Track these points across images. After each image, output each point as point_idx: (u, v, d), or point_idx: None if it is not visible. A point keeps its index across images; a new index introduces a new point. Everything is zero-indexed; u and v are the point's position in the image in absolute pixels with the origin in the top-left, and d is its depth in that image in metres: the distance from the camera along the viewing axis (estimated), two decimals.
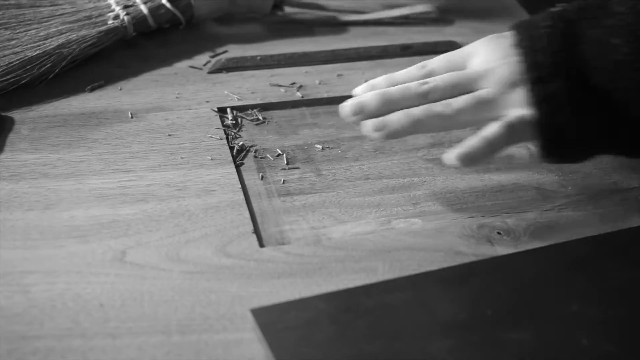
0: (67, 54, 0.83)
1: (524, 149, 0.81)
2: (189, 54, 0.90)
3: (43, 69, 0.82)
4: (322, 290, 0.65)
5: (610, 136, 0.69)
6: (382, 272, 0.67)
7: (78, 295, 0.64)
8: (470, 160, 0.70)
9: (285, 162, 0.78)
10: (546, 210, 0.74)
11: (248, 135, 0.81)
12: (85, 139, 0.78)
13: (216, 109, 0.83)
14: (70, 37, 0.84)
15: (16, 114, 0.80)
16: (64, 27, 0.85)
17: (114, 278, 0.65)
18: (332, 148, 0.80)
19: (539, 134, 0.68)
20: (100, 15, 0.88)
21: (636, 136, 0.69)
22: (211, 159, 0.77)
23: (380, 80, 0.75)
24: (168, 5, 0.89)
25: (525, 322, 0.63)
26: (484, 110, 0.70)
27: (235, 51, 0.91)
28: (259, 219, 0.72)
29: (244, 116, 0.83)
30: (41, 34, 0.84)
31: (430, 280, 0.66)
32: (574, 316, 0.63)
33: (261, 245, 0.69)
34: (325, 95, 0.86)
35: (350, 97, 0.86)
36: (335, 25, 0.96)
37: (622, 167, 0.79)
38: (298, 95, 0.85)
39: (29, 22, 0.86)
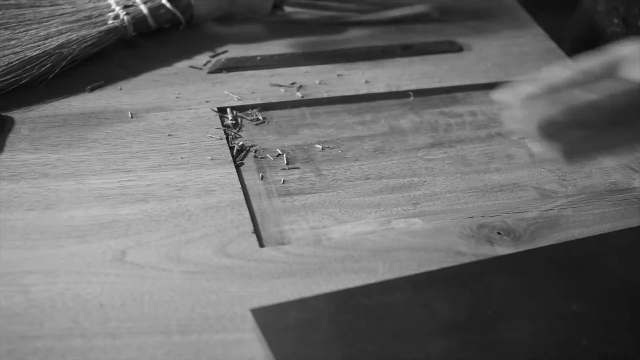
0: (67, 53, 0.83)
1: (524, 149, 0.81)
2: (189, 54, 0.90)
3: (43, 69, 0.82)
4: (322, 290, 0.65)
5: None
6: (382, 272, 0.67)
7: (78, 295, 0.64)
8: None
9: (285, 162, 0.78)
10: (546, 210, 0.74)
11: (248, 135, 0.81)
12: (85, 139, 0.78)
13: (216, 109, 0.83)
14: (70, 37, 0.84)
15: (16, 114, 0.80)
16: (64, 27, 0.85)
17: (114, 278, 0.65)
18: (332, 148, 0.80)
19: None
20: (100, 15, 0.88)
21: None
22: (211, 159, 0.77)
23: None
24: (168, 5, 0.89)
25: (525, 322, 0.63)
26: None
27: (235, 51, 0.91)
28: (259, 219, 0.72)
29: (244, 116, 0.83)
30: (41, 34, 0.84)
31: (430, 280, 0.66)
32: (574, 316, 0.63)
33: (261, 245, 0.69)
34: (325, 95, 0.86)
35: (350, 97, 0.86)
36: (335, 25, 0.96)
37: (622, 167, 0.79)
38: (298, 95, 0.85)
39: (28, 22, 0.86)
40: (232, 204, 0.72)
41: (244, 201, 0.73)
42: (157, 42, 0.92)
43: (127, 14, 0.88)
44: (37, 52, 0.82)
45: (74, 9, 0.88)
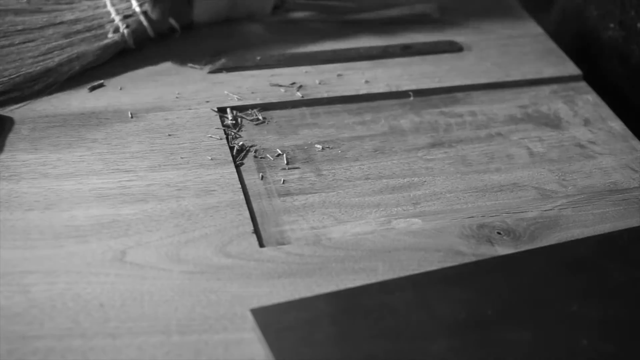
0: (68, 70, 0.83)
1: (524, 149, 0.81)
2: (189, 54, 0.90)
3: (43, 85, 0.82)
4: (322, 290, 0.65)
5: None
6: (382, 272, 0.67)
7: (78, 295, 0.64)
8: None
9: (285, 162, 0.78)
10: (546, 210, 0.74)
11: (248, 135, 0.81)
12: (85, 139, 0.78)
13: (216, 109, 0.83)
14: (71, 54, 0.84)
15: (16, 114, 0.80)
16: (65, 41, 0.85)
17: (114, 278, 0.65)
18: (332, 148, 0.80)
19: None
20: (100, 26, 0.87)
21: None
22: (211, 159, 0.77)
23: None
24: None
25: (525, 322, 0.63)
26: None
27: (235, 51, 0.91)
28: (259, 219, 0.72)
29: (244, 116, 0.83)
30: (41, 48, 0.84)
31: (430, 280, 0.66)
32: (574, 316, 0.63)
33: (261, 245, 0.69)
34: (325, 95, 0.86)
35: (350, 97, 0.86)
36: (335, 25, 0.96)
37: (622, 167, 0.79)
38: (298, 95, 0.85)
39: (28, 31, 0.86)
40: (232, 204, 0.72)
41: (244, 201, 0.73)
42: (157, 42, 0.92)
43: (127, 26, 0.87)
44: (38, 68, 0.82)
45: (73, 17, 0.88)
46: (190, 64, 0.89)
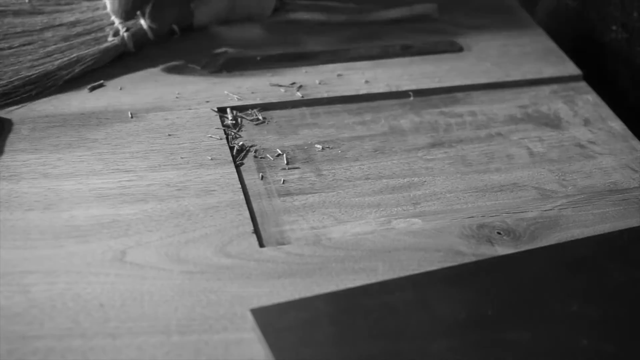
0: (67, 73, 0.83)
1: (524, 149, 0.81)
2: (189, 54, 0.90)
3: (42, 89, 0.82)
4: (322, 290, 0.65)
5: None
6: (382, 272, 0.67)
7: (78, 295, 0.64)
8: None
9: (285, 162, 0.78)
10: (546, 210, 0.74)
11: (248, 135, 0.81)
12: (85, 139, 0.78)
13: (216, 109, 0.83)
14: (71, 57, 0.84)
15: (16, 114, 0.80)
16: (64, 44, 0.85)
17: (114, 278, 0.65)
18: (332, 148, 0.80)
19: None
20: (99, 29, 0.87)
21: None
22: (211, 159, 0.77)
23: None
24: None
25: (525, 322, 0.63)
26: None
27: (235, 51, 0.91)
28: (259, 219, 0.72)
29: (244, 116, 0.83)
30: (40, 51, 0.84)
31: (430, 280, 0.66)
32: (574, 316, 0.63)
33: (261, 245, 0.69)
34: (325, 95, 0.86)
35: (350, 97, 0.86)
36: (335, 25, 0.96)
37: (622, 167, 0.79)
38: (298, 95, 0.85)
39: (27, 33, 0.86)
40: (232, 204, 0.72)
41: (244, 201, 0.73)
42: (157, 43, 0.92)
43: (127, 29, 0.87)
44: (38, 72, 0.82)
45: (73, 19, 0.88)
46: (190, 64, 0.89)
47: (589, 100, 0.87)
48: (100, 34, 0.87)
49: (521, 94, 0.88)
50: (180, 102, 0.83)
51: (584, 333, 0.62)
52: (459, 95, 0.87)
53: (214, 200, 0.73)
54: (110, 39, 0.87)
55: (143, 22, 0.88)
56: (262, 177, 0.76)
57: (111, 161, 0.76)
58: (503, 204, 0.75)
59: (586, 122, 0.84)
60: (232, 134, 0.80)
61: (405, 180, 0.77)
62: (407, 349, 0.61)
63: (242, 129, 0.82)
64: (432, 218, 0.73)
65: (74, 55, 0.84)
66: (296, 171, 0.77)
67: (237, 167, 0.77)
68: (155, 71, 0.87)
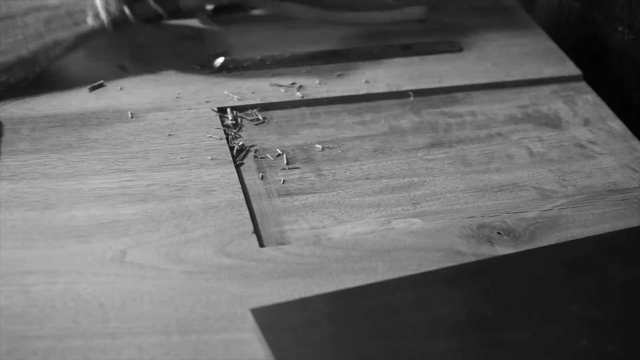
0: (44, 59, 0.83)
1: (524, 149, 0.81)
2: (189, 54, 0.90)
3: (20, 76, 0.81)
4: (322, 290, 0.65)
5: None
6: (382, 272, 0.67)
7: (78, 295, 0.64)
8: None
9: (285, 162, 0.78)
10: (546, 210, 0.74)
11: (248, 135, 0.81)
12: (85, 139, 0.78)
13: (216, 109, 0.83)
14: (47, 42, 0.83)
15: (16, 114, 0.80)
16: (44, 28, 0.84)
17: (114, 278, 0.65)
18: (332, 148, 0.80)
19: None
20: (81, 10, 0.86)
21: None
22: (211, 159, 0.77)
23: None
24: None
25: (525, 322, 0.63)
26: None
27: (235, 51, 0.91)
28: (259, 219, 0.72)
29: (244, 116, 0.83)
30: (19, 36, 0.83)
31: (430, 280, 0.66)
32: (574, 316, 0.63)
33: (261, 245, 0.69)
34: (325, 95, 0.86)
35: (350, 97, 0.86)
36: (335, 26, 0.96)
37: (622, 167, 0.79)
38: (298, 95, 0.85)
39: (10, 17, 0.84)
40: (232, 204, 0.72)
41: (244, 201, 0.73)
42: (157, 41, 0.92)
43: (107, 11, 0.86)
44: (13, 58, 0.82)
45: (57, 1, 0.86)
46: (190, 64, 0.89)
47: (589, 100, 0.87)
48: (80, 17, 0.86)
49: (521, 94, 0.88)
50: (180, 102, 0.83)
51: (584, 333, 0.62)
52: (459, 95, 0.87)
53: (214, 200, 0.73)
54: (89, 20, 0.85)
55: (124, 5, 0.87)
56: (262, 177, 0.76)
57: (111, 161, 0.76)
58: (503, 204, 0.75)
59: (586, 122, 0.84)
60: (232, 134, 0.80)
61: (405, 180, 0.77)
62: (407, 349, 0.61)
63: (242, 129, 0.82)
64: (432, 218, 0.73)
65: (51, 39, 0.83)
66: (296, 171, 0.77)
67: (237, 167, 0.77)
68: (155, 71, 0.87)
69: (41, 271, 0.66)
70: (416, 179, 0.77)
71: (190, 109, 0.83)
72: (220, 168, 0.76)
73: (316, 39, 0.94)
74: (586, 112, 0.86)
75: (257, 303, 0.64)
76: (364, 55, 0.92)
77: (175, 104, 0.83)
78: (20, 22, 0.84)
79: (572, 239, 0.71)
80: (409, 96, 0.87)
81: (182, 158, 0.77)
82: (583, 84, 0.90)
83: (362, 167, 0.78)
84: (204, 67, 0.88)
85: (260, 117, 0.83)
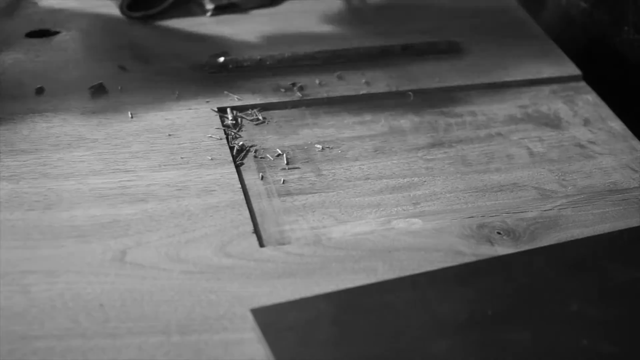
0: None
1: (524, 149, 0.81)
2: (189, 54, 0.90)
3: None
4: (322, 290, 0.65)
5: None
6: (382, 272, 0.67)
7: (78, 295, 0.64)
8: None
9: (285, 162, 0.78)
10: (546, 210, 0.74)
11: (248, 135, 0.81)
12: (85, 139, 0.78)
13: (216, 109, 0.83)
14: None
15: (16, 114, 0.80)
16: None
17: (114, 278, 0.65)
18: (332, 148, 0.80)
19: None
20: None
21: None
22: (211, 159, 0.77)
23: None
24: None
25: (525, 322, 0.63)
26: None
27: (235, 51, 0.91)
28: (259, 219, 0.72)
29: (244, 116, 0.83)
30: None
31: (430, 280, 0.66)
32: (574, 316, 0.63)
33: (261, 245, 0.69)
34: (325, 95, 0.86)
35: (350, 97, 0.86)
36: (335, 25, 0.96)
37: (622, 167, 0.79)
38: (298, 95, 0.85)
39: None
40: (232, 204, 0.72)
41: (244, 201, 0.73)
42: (157, 41, 0.92)
43: None
44: None
45: None
46: (190, 64, 0.89)
47: (588, 100, 0.87)
48: None
49: (521, 94, 0.88)
50: (180, 102, 0.83)
51: (584, 333, 0.62)
52: (459, 95, 0.87)
53: (214, 200, 0.73)
54: None
55: None
56: (262, 177, 0.76)
57: (111, 161, 0.76)
58: (503, 204, 0.75)
59: (586, 122, 0.84)
60: (232, 134, 0.80)
61: (405, 180, 0.77)
62: (407, 349, 0.61)
63: (242, 129, 0.82)
64: (432, 218, 0.73)
65: None
66: (296, 171, 0.77)
67: (237, 167, 0.77)
68: (155, 71, 0.87)
69: (41, 271, 0.66)
70: (416, 179, 0.77)
71: (190, 109, 0.83)
72: (220, 168, 0.76)
73: (316, 39, 0.94)
74: (586, 112, 0.86)
75: (257, 303, 0.64)
76: (364, 55, 0.92)
77: (175, 104, 0.83)
78: None
79: (572, 239, 0.71)
80: (409, 96, 0.87)
81: (182, 158, 0.77)
82: (583, 84, 0.90)
83: (362, 167, 0.78)
84: (204, 67, 0.88)
85: (260, 117, 0.83)
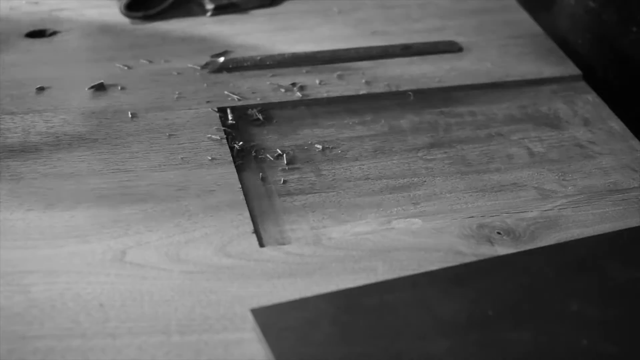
0: None
1: (524, 149, 0.81)
2: (189, 54, 0.90)
3: None
4: (322, 290, 0.65)
5: None
6: (382, 272, 0.67)
7: (78, 295, 0.64)
8: None
9: (285, 162, 0.78)
10: (546, 210, 0.74)
11: (248, 135, 0.81)
12: (85, 139, 0.78)
13: (216, 109, 0.83)
14: None
15: (16, 114, 0.80)
16: None
17: (114, 278, 0.65)
18: (332, 148, 0.80)
19: None
20: None
21: None
22: (211, 159, 0.77)
23: None
24: None
25: (525, 322, 0.63)
26: None
27: (235, 51, 0.91)
28: (259, 219, 0.72)
29: (244, 116, 0.83)
30: None
31: (430, 280, 0.66)
32: (574, 316, 0.63)
33: (261, 245, 0.69)
34: (325, 95, 0.86)
35: (350, 97, 0.86)
36: (335, 26, 0.96)
37: (622, 167, 0.79)
38: (298, 95, 0.85)
39: None
40: (232, 204, 0.72)
41: (244, 201, 0.73)
42: (157, 41, 0.92)
43: None
44: None
45: None
46: (190, 64, 0.89)
47: (588, 100, 0.87)
48: None
49: (521, 94, 0.88)
50: (180, 102, 0.83)
51: (584, 333, 0.62)
52: (459, 95, 0.87)
53: (214, 200, 0.73)
54: None
55: None
56: (262, 177, 0.76)
57: (111, 161, 0.76)
58: (503, 204, 0.75)
59: (586, 122, 0.84)
60: (232, 134, 0.80)
61: (405, 180, 0.77)
62: (407, 349, 0.61)
63: (242, 129, 0.82)
64: (432, 218, 0.73)
65: None
66: (296, 171, 0.77)
67: (237, 167, 0.77)
68: (155, 71, 0.87)
69: (41, 271, 0.66)
70: (416, 179, 0.77)
71: (190, 109, 0.83)
72: (220, 168, 0.76)
73: (316, 39, 0.94)
74: (586, 112, 0.86)
75: (257, 303, 0.64)
76: (364, 55, 0.92)
77: (175, 104, 0.83)
78: None
79: (572, 239, 0.71)
80: (409, 96, 0.87)
81: (182, 158, 0.77)
82: (583, 84, 0.90)
83: (362, 167, 0.78)
84: (204, 67, 0.88)
85: (260, 117, 0.83)
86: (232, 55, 0.90)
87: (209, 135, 0.79)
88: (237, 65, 0.89)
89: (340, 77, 0.88)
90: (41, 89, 0.83)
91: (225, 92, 0.85)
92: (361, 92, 0.86)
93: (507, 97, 0.87)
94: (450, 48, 0.93)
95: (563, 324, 0.63)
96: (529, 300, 0.65)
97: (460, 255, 0.69)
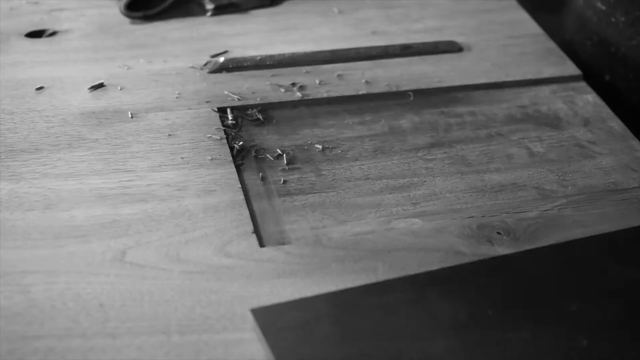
0: None
1: (524, 149, 0.81)
2: (189, 54, 0.90)
3: None
4: (322, 290, 0.65)
5: None
6: (382, 272, 0.67)
7: (78, 295, 0.64)
8: None
9: (285, 162, 0.78)
10: (546, 210, 0.74)
11: (248, 135, 0.81)
12: (85, 139, 0.78)
13: (216, 109, 0.83)
14: None
15: (16, 114, 0.80)
16: None
17: (114, 278, 0.65)
18: (332, 148, 0.80)
19: None
20: None
21: None
22: (211, 159, 0.77)
23: None
24: None
25: (525, 322, 0.63)
26: None
27: (235, 51, 0.91)
28: (259, 219, 0.72)
29: (244, 116, 0.83)
30: None
31: (430, 280, 0.66)
32: (574, 316, 0.63)
33: (261, 245, 0.69)
34: (325, 95, 0.86)
35: (350, 97, 0.86)
36: (335, 25, 0.96)
37: (622, 167, 0.79)
38: (298, 95, 0.85)
39: None
40: (232, 204, 0.72)
41: (244, 201, 0.73)
42: (157, 41, 0.92)
43: None
44: None
45: None
46: (190, 64, 0.89)
47: (589, 100, 0.87)
48: None
49: (521, 94, 0.88)
50: (180, 102, 0.83)
51: (584, 333, 0.62)
52: (459, 95, 0.87)
53: (214, 200, 0.73)
54: None
55: None
56: (262, 177, 0.76)
57: (111, 161, 0.76)
58: (503, 204, 0.75)
59: (586, 122, 0.84)
60: (232, 134, 0.80)
61: (405, 180, 0.77)
62: (407, 349, 0.61)
63: (242, 129, 0.82)
64: (432, 218, 0.73)
65: None
66: (296, 171, 0.77)
67: (237, 167, 0.77)
68: (155, 71, 0.87)
69: (41, 271, 0.66)
70: (416, 179, 0.77)
71: (190, 109, 0.83)
72: (220, 168, 0.76)
73: (316, 39, 0.94)
74: (586, 112, 0.86)
75: (257, 303, 0.64)
76: (364, 55, 0.92)
77: (175, 104, 0.83)
78: None
79: (572, 239, 0.71)
80: (409, 96, 0.87)
81: (182, 158, 0.77)
82: (583, 84, 0.90)
83: (362, 167, 0.78)
84: (204, 67, 0.88)
85: (260, 117, 0.83)
86: (232, 55, 0.90)
87: (209, 135, 0.79)
88: (237, 65, 0.89)
89: (340, 77, 0.88)
90: (41, 89, 0.83)
91: (225, 92, 0.85)
92: (361, 92, 0.86)
93: (507, 97, 0.87)
94: (450, 48, 0.93)
95: (563, 324, 0.63)
96: (529, 300, 0.65)
97: (460, 255, 0.69)
